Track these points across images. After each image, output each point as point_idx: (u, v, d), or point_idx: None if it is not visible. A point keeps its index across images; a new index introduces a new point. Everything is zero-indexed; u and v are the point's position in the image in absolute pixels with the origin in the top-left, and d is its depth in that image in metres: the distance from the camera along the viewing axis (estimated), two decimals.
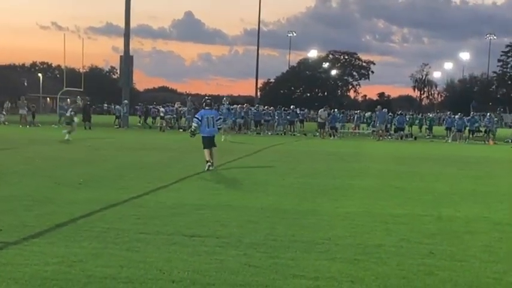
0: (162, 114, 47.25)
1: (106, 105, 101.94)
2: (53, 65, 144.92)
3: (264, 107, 50.83)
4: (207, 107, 17.69)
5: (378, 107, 45.47)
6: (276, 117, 45.67)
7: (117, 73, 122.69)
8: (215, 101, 26.49)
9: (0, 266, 6.37)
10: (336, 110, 52.19)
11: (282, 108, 47.55)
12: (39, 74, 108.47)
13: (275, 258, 7.03)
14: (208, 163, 16.81)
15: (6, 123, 48.28)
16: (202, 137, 17.21)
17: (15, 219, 8.80)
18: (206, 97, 19.13)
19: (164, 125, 45.37)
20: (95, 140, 29.81)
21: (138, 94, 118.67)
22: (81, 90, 65.16)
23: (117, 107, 53.98)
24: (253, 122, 45.46)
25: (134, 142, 28.85)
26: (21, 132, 36.91)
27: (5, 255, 6.81)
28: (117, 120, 50.22)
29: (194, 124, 17.55)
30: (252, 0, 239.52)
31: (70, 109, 31.29)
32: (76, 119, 29.74)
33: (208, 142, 17.11)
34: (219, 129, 18.08)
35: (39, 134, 34.09)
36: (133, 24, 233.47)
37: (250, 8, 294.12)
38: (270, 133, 43.83)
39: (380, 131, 42.07)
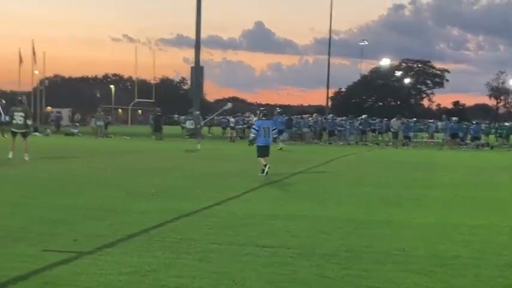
0: (232, 125, 47.67)
1: (177, 116, 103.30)
2: (124, 77, 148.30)
3: (334, 116, 50.58)
4: (263, 118, 18.81)
5: (443, 116, 45.00)
6: (348, 127, 45.42)
7: (187, 84, 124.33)
8: (285, 111, 26.67)
9: (75, 275, 6.52)
10: (408, 119, 51.53)
11: (354, 118, 47.29)
12: (111, 86, 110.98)
13: (348, 270, 6.98)
14: (265, 167, 17.58)
15: (80, 134, 49.54)
16: (258, 146, 18.24)
17: (89, 229, 9.00)
18: (262, 108, 20.26)
19: (234, 135, 45.74)
20: (165, 150, 30.24)
21: (208, 105, 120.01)
22: (152, 101, 66.29)
23: (182, 117, 54.77)
24: (328, 132, 45.29)
25: (204, 152, 29.12)
26: (94, 143, 37.79)
27: (80, 265, 6.97)
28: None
29: (252, 134, 18.60)
30: (322, 9, 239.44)
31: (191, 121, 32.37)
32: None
33: (263, 151, 18.18)
34: (274, 138, 19.33)
35: (111, 145, 34.83)
36: (203, 35, 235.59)
37: (320, 17, 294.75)
38: (341, 143, 43.61)
39: (444, 140, 41.52)
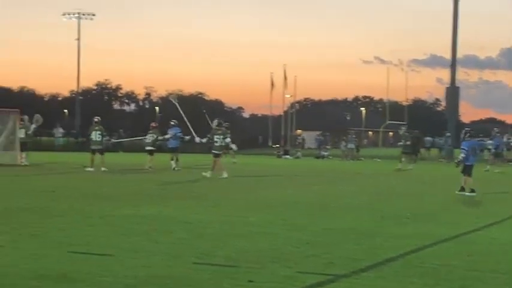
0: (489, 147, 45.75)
1: (430, 138, 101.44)
2: (375, 99, 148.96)
3: None
4: (469, 138, 18.70)
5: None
6: None
7: (441, 105, 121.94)
8: None
9: None
10: None
11: None
12: (362, 109, 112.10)
13: None
14: (465, 191, 18.06)
15: (330, 157, 50.54)
16: (466, 165, 18.37)
17: (344, 252, 9.09)
18: (467, 128, 19.99)
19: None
20: (418, 174, 29.82)
21: (464, 126, 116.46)
22: (405, 123, 65.87)
23: (437, 139, 53.71)
24: None
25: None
26: (344, 165, 38.34)
27: None
28: (440, 152, 49.96)
29: (462, 154, 18.39)
30: None
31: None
32: None
33: (470, 170, 18.36)
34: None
35: (361, 168, 35.11)
36: (458, 54, 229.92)
37: None
38: None
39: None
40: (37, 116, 28.65)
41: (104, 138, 27.26)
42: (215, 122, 24.03)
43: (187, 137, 28.16)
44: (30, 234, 9.71)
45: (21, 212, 12.29)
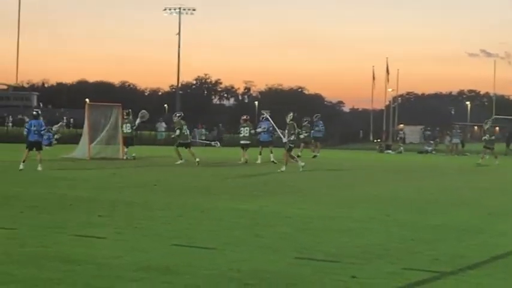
0: None
1: None
2: (480, 93, 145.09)
3: None
4: None
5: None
6: None
7: None
8: None
9: None
10: None
11: None
12: (467, 102, 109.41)
13: None
14: None
15: (434, 152, 49.61)
16: None
17: (450, 249, 8.92)
18: None
19: None
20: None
21: None
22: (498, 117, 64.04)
23: None
24: None
25: None
26: (449, 160, 37.56)
27: (442, 285, 6.95)
28: None
29: None
30: None
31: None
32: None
33: None
34: None
35: (465, 163, 34.28)
36: None
37: None
38: None
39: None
40: (143, 112, 29.28)
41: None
42: (290, 115, 23.91)
43: (279, 132, 27.99)
44: (133, 227, 9.97)
45: (124, 205, 12.63)
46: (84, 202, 13.02)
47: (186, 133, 26.83)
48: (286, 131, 23.43)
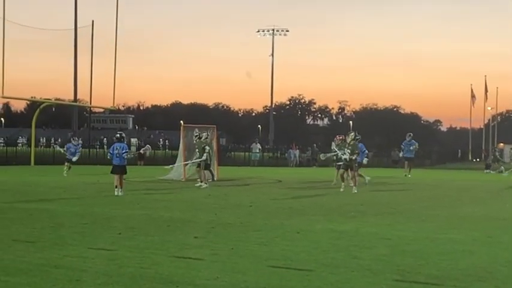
0: None
1: None
2: None
3: None
4: None
5: None
6: None
7: None
8: None
9: None
10: None
11: None
12: None
13: None
14: None
15: None
16: None
17: None
18: None
19: None
20: None
21: None
22: None
23: None
24: None
25: None
26: None
27: None
28: None
29: None
30: None
31: None
32: None
33: None
34: None
35: None
36: None
37: None
38: None
39: None
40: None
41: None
42: (351, 135, 23.58)
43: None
44: (229, 248, 10.01)
45: (220, 227, 12.73)
46: (180, 223, 13.19)
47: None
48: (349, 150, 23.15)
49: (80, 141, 30.21)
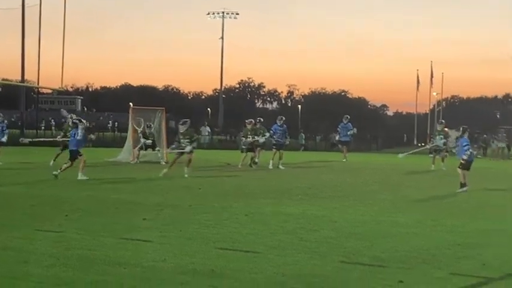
0: None
1: None
2: None
3: None
4: None
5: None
6: None
7: None
8: None
9: None
10: None
11: None
12: None
13: None
14: None
15: (479, 156, 48.87)
16: None
17: (498, 254, 8.84)
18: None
19: None
20: None
21: None
22: None
23: None
24: None
25: None
26: (494, 165, 37.06)
27: None
28: None
29: None
30: None
31: None
32: None
33: None
34: None
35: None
36: None
37: None
38: None
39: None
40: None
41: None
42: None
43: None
44: (178, 231, 10.01)
45: (169, 209, 12.70)
46: (129, 205, 13.12)
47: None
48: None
49: (6, 122, 27.25)
